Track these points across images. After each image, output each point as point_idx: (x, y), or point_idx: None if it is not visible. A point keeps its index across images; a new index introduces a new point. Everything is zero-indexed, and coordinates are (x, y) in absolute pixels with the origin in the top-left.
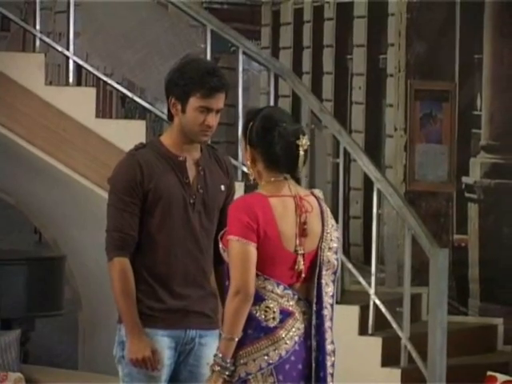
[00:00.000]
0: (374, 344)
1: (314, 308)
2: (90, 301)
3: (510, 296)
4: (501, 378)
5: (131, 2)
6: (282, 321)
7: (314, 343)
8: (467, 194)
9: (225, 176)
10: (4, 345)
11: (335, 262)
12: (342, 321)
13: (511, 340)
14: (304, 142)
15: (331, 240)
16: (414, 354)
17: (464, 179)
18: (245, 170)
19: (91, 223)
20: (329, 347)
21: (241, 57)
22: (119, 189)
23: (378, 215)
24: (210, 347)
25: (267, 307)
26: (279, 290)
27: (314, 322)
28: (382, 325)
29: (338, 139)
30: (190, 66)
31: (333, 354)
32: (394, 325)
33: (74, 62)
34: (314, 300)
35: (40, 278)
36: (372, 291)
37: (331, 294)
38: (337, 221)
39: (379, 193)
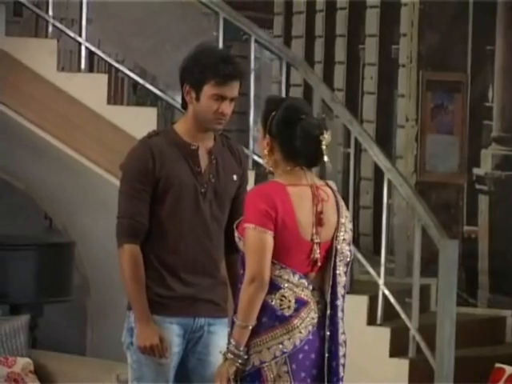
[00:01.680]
0: (383, 334)
1: (329, 299)
2: (99, 287)
3: None
4: (509, 369)
5: None
6: (296, 310)
7: (327, 333)
8: (478, 186)
9: (238, 166)
10: (13, 330)
11: (348, 253)
12: (350, 311)
13: None
14: (327, 137)
15: (345, 231)
16: (423, 345)
17: (475, 171)
18: (256, 158)
19: (101, 209)
20: (341, 338)
21: (253, 45)
22: (131, 176)
23: (388, 205)
24: (219, 335)
25: (283, 296)
26: (295, 279)
27: (328, 312)
28: (390, 315)
29: (349, 129)
30: (204, 53)
31: (344, 345)
32: (403, 315)
33: (86, 48)
34: (329, 290)
35: (49, 264)
36: (381, 281)
37: (343, 284)
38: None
39: (389, 183)
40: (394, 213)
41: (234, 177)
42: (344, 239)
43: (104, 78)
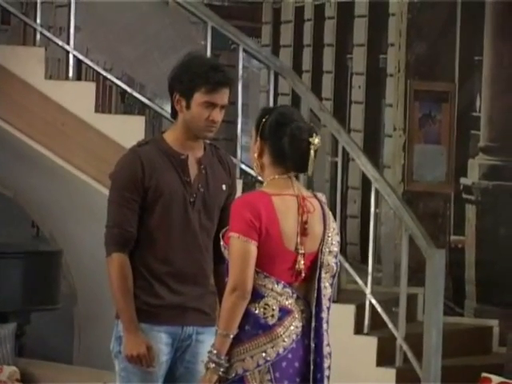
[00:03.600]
0: (370, 343)
1: (313, 311)
2: (86, 295)
3: (506, 298)
4: (495, 379)
5: None
6: (280, 318)
7: (312, 345)
8: (465, 195)
9: (227, 175)
10: None
11: (334, 266)
12: (337, 320)
13: (506, 342)
14: (316, 140)
15: (332, 244)
16: (410, 354)
17: (462, 180)
18: (243, 167)
19: (88, 218)
20: (326, 349)
21: (241, 54)
22: (120, 185)
23: (376, 215)
24: (207, 344)
25: (266, 304)
26: (279, 288)
27: (312, 324)
28: (377, 324)
29: (336, 138)
30: (193, 62)
31: (329, 357)
32: (390, 324)
33: (74, 56)
34: (314, 302)
35: (36, 272)
36: (368, 290)
37: (329, 296)
38: (334, 219)
39: (377, 192)
40: (382, 222)
41: (223, 186)
42: (330, 251)
43: (92, 86)
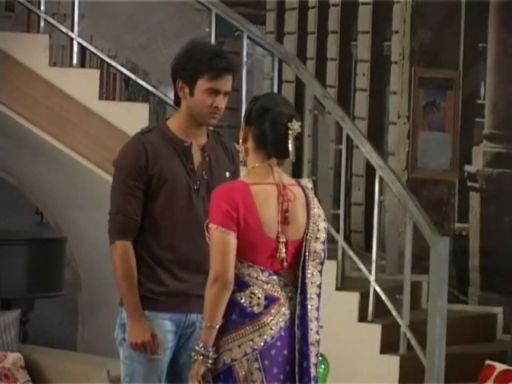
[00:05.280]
0: (374, 331)
1: (298, 298)
2: (90, 282)
3: (510, 285)
4: (499, 367)
5: None
6: (266, 306)
7: (298, 333)
8: (469, 183)
9: (230, 162)
10: (3, 325)
11: (321, 253)
12: (341, 307)
13: (510, 329)
14: (294, 125)
15: (318, 230)
16: (413, 342)
17: (466, 168)
18: None
19: (93, 205)
20: (314, 337)
21: (245, 41)
22: (124, 172)
23: (380, 202)
24: None
25: (252, 293)
26: (264, 277)
27: (297, 311)
28: (381, 312)
29: (341, 125)
30: (196, 49)
31: (317, 345)
32: (394, 312)
33: (79, 43)
34: (299, 290)
35: (40, 259)
36: (372, 278)
37: (318, 283)
38: (338, 207)
39: (381, 180)
40: (386, 210)
41: (227, 173)
42: (317, 238)
43: (96, 73)
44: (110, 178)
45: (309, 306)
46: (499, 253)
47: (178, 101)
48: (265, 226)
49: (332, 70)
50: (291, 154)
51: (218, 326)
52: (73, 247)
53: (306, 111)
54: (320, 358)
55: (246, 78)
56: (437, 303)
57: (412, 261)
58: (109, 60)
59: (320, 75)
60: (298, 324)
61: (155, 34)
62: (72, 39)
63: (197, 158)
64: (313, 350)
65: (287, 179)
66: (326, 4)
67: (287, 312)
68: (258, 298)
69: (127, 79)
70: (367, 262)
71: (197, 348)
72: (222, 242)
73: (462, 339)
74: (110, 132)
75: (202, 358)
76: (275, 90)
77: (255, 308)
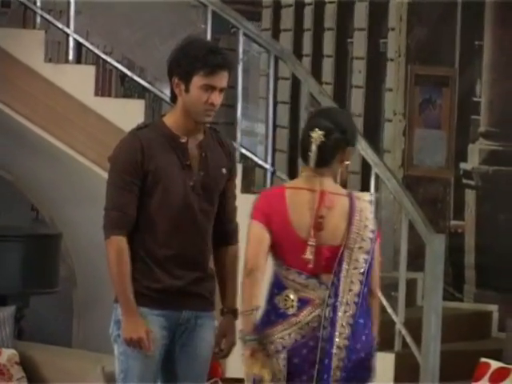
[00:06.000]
0: None
1: (328, 301)
2: (86, 279)
3: (506, 283)
4: (494, 364)
5: None
6: (299, 308)
7: (323, 333)
8: (465, 181)
9: (227, 159)
10: None
11: (363, 263)
12: None
13: (505, 327)
14: (315, 135)
15: (362, 240)
16: (409, 339)
17: (462, 165)
18: (243, 151)
19: (88, 201)
20: (342, 342)
21: (241, 38)
22: (120, 168)
23: (376, 199)
24: (206, 328)
25: (287, 296)
26: (301, 279)
27: (327, 313)
28: None
29: None
30: (192, 45)
31: (344, 350)
32: (389, 309)
33: (74, 39)
34: (330, 293)
35: (36, 255)
36: None
37: (356, 292)
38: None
39: (377, 177)
40: (381, 206)
41: (223, 170)
42: (360, 247)
43: (92, 69)
44: (106, 175)
45: (340, 312)
46: (495, 250)
47: (174, 97)
48: (297, 229)
49: (328, 67)
50: (311, 161)
51: (253, 312)
52: (68, 243)
53: (301, 108)
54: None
55: (241, 75)
56: (432, 301)
57: (407, 258)
58: (104, 56)
59: (316, 72)
60: (325, 325)
61: (151, 30)
62: (68, 35)
63: (193, 154)
64: (337, 353)
65: (333, 188)
66: (323, 1)
67: (322, 313)
68: (292, 300)
69: (123, 75)
70: None
71: (239, 334)
72: (253, 233)
73: (457, 337)
74: (106, 128)
75: (245, 342)
76: (271, 86)
77: (289, 310)
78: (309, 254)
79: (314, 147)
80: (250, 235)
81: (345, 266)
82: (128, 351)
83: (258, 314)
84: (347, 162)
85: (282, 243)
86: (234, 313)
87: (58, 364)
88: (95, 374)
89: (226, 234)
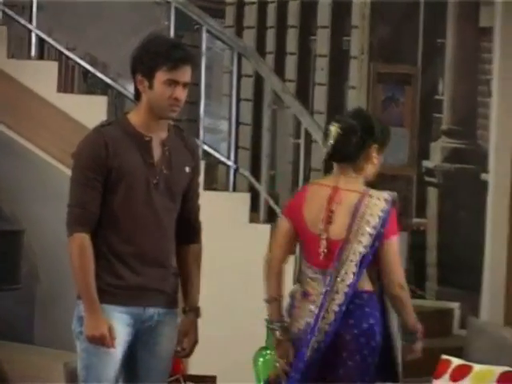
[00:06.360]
0: None
1: (322, 290)
2: (48, 275)
3: (467, 280)
4: (455, 361)
5: None
6: (300, 301)
7: (311, 321)
8: (427, 178)
9: (190, 157)
10: None
11: (358, 255)
12: None
13: (467, 324)
14: (333, 128)
15: (362, 234)
16: None
17: (424, 163)
18: (206, 148)
19: (52, 198)
20: (321, 324)
21: (204, 35)
22: (83, 164)
23: None
24: (169, 325)
25: (295, 291)
26: (310, 273)
27: (319, 302)
28: None
29: (299, 120)
30: (154, 42)
31: (324, 333)
32: None
33: (37, 35)
34: (327, 282)
35: None
36: None
37: (348, 283)
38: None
39: None
40: None
41: (187, 169)
42: (359, 241)
43: (54, 65)
44: (69, 172)
45: (328, 298)
46: (456, 248)
47: (137, 95)
48: (308, 224)
49: (291, 64)
50: (325, 155)
51: (272, 303)
52: (31, 240)
53: (264, 105)
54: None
55: (205, 72)
56: None
57: None
58: (67, 52)
59: (279, 69)
60: (317, 313)
61: (114, 27)
62: (30, 31)
63: (157, 152)
64: (317, 335)
65: (349, 184)
66: None
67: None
68: (298, 294)
69: (86, 72)
70: None
71: (266, 322)
72: (277, 226)
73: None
74: (69, 124)
75: (271, 328)
76: (234, 84)
77: (296, 303)
78: (323, 247)
79: (329, 141)
80: (276, 228)
81: (343, 257)
82: (90, 348)
83: (284, 303)
84: (375, 161)
85: (301, 238)
86: (196, 311)
87: (19, 360)
88: (57, 370)
89: (188, 232)
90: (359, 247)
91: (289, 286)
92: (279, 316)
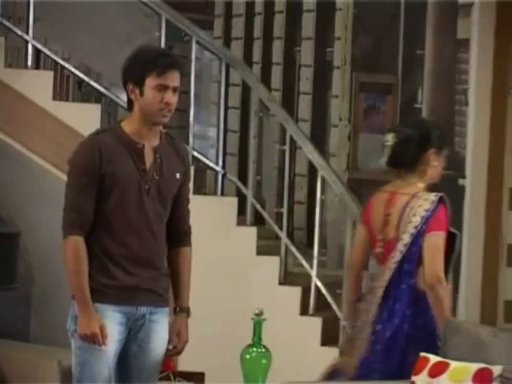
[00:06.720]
0: (315, 324)
1: (378, 284)
2: (44, 276)
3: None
4: (433, 358)
5: None
6: (366, 295)
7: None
8: None
9: (181, 164)
10: None
11: (399, 253)
12: (284, 301)
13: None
14: (388, 138)
15: (404, 233)
16: None
17: None
18: (195, 154)
19: (47, 202)
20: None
21: (194, 46)
22: (78, 170)
23: (322, 201)
24: (160, 324)
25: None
26: (376, 270)
27: (378, 295)
28: (322, 306)
29: (285, 127)
30: (143, 51)
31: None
32: (334, 306)
33: (33, 46)
34: (383, 278)
35: None
36: (314, 273)
37: (386, 278)
38: (282, 205)
39: (323, 180)
40: (327, 208)
41: (177, 175)
42: (401, 239)
43: (50, 74)
44: (64, 177)
45: (378, 294)
46: None
47: (130, 105)
48: (373, 227)
49: (277, 74)
50: (384, 162)
51: (351, 301)
52: (27, 242)
53: (251, 113)
54: (263, 350)
55: (194, 81)
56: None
57: None
58: (62, 62)
59: (265, 79)
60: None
61: (108, 38)
62: (27, 42)
63: (149, 159)
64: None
65: (405, 188)
66: (272, 11)
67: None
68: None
69: (80, 81)
70: (309, 257)
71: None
72: (356, 233)
73: None
74: (64, 131)
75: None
76: (222, 92)
77: (365, 296)
78: (379, 247)
79: (386, 149)
80: (355, 235)
81: (392, 255)
82: (84, 346)
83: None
84: (435, 164)
85: (372, 241)
86: (186, 311)
87: (15, 358)
88: (51, 367)
89: (179, 235)
90: (400, 245)
91: (275, 286)
92: (353, 316)
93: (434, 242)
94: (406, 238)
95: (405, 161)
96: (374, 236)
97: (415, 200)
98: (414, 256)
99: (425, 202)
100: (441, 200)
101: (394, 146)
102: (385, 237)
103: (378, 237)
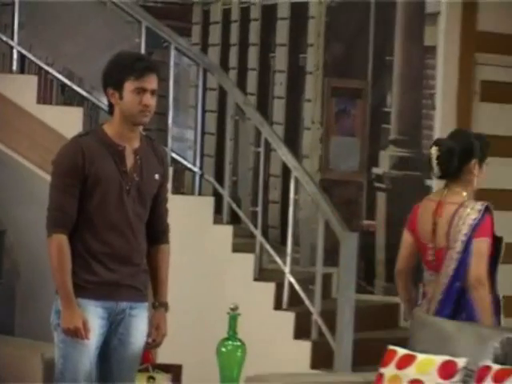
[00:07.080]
0: (288, 318)
1: (437, 290)
2: (28, 272)
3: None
4: (400, 351)
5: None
6: (421, 300)
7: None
8: (376, 184)
9: (160, 165)
10: None
11: (455, 261)
12: (258, 296)
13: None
14: (432, 151)
15: (455, 241)
16: (324, 328)
17: (374, 170)
18: (174, 155)
19: (32, 201)
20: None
21: (172, 52)
22: (62, 171)
23: (295, 201)
24: (139, 318)
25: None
26: (427, 276)
27: (435, 306)
28: (295, 301)
29: (259, 130)
30: (121, 57)
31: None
32: (307, 301)
33: (18, 51)
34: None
35: None
36: (287, 270)
37: (444, 284)
38: (257, 204)
39: (296, 180)
40: (300, 207)
41: (156, 176)
42: (453, 248)
43: (34, 79)
44: (48, 178)
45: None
46: None
47: (111, 109)
48: (420, 234)
49: (252, 79)
50: (433, 174)
51: (404, 304)
52: (13, 239)
53: (228, 117)
54: (238, 343)
55: (173, 86)
56: (346, 293)
57: (324, 254)
58: (46, 67)
59: (241, 84)
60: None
61: (90, 44)
62: (12, 47)
63: (129, 160)
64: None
65: (451, 197)
66: (247, 18)
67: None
68: (421, 294)
69: (63, 85)
70: (283, 255)
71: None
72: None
73: (369, 326)
74: (48, 134)
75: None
76: (200, 97)
77: (419, 301)
78: (430, 255)
79: (432, 162)
80: (401, 241)
81: (445, 263)
82: (66, 340)
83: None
84: (476, 172)
85: (418, 247)
86: (165, 306)
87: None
88: (35, 360)
89: (157, 234)
90: (453, 253)
91: (250, 282)
92: (408, 315)
93: (480, 247)
94: (459, 246)
95: (449, 172)
96: (423, 244)
97: (463, 209)
98: (464, 261)
99: (472, 211)
100: (486, 209)
101: (438, 159)
102: (435, 245)
103: (429, 245)
